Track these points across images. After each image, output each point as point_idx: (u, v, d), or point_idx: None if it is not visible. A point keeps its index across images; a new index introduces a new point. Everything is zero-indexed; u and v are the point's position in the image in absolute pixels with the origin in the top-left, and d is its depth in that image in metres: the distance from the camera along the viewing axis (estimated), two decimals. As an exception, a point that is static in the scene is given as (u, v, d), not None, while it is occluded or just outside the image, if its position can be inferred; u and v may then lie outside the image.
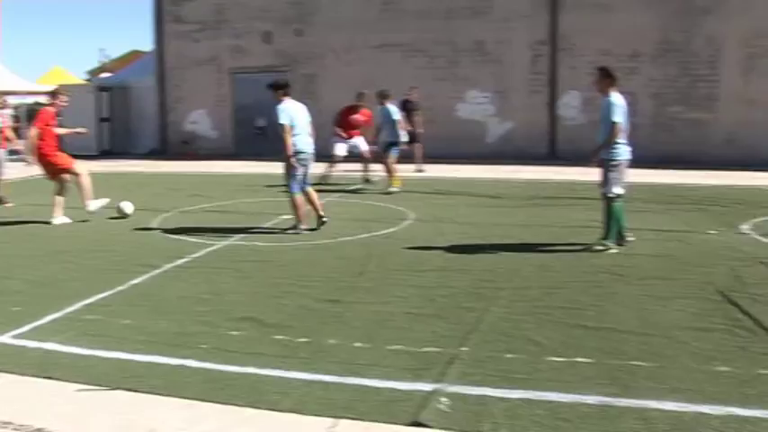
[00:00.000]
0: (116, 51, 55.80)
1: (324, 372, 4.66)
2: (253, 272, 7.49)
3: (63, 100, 10.82)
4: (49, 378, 4.73)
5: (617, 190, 8.11)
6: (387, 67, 20.05)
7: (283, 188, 9.78)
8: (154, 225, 10.32)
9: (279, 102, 9.45)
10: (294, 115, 9.42)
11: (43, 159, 10.58)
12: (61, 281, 7.26)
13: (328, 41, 21.24)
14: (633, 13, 18.29)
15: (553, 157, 19.11)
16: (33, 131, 10.45)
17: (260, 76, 21.65)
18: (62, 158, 10.76)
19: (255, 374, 4.66)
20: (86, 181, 10.72)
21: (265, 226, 9.75)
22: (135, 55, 32.50)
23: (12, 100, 31.28)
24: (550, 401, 4.18)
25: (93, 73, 37.55)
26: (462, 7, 19.84)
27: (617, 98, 8.02)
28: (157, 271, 7.54)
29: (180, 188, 14.54)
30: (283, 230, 9.57)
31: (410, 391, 4.35)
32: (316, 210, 9.70)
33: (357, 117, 14.41)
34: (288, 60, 21.71)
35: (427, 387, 4.40)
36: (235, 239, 9.19)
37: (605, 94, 8.10)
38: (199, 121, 23.27)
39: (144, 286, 6.99)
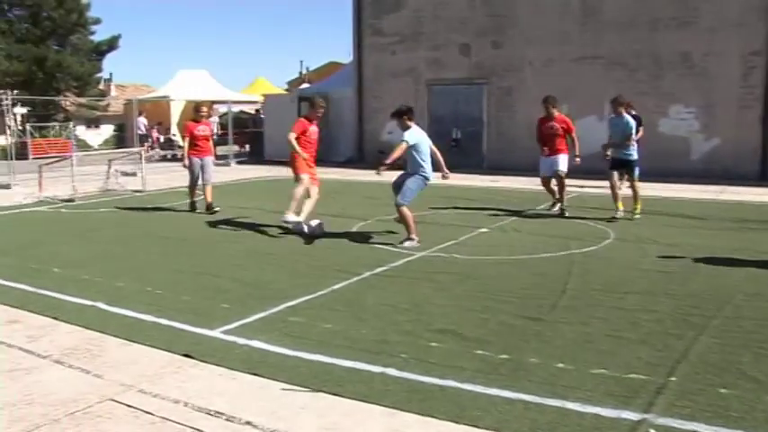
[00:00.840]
0: (314, 63, 58.43)
1: (525, 391, 4.58)
2: (451, 284, 7.50)
3: (320, 110, 10.82)
4: (256, 375, 4.96)
5: None
6: (585, 81, 19.63)
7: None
8: (353, 232, 10.62)
9: (406, 128, 9.59)
10: (420, 140, 9.56)
11: (292, 163, 10.60)
12: (265, 282, 7.63)
13: (526, 54, 21.02)
14: None
15: (764, 177, 17.87)
16: (291, 136, 10.35)
17: (457, 88, 21.87)
18: (301, 164, 10.51)
19: (456, 388, 4.65)
20: (304, 193, 10.62)
21: (461, 238, 9.70)
22: (333, 66, 33.71)
23: (220, 109, 33.60)
24: (773, 445, 3.88)
25: (293, 83, 39.33)
26: (668, 17, 18.99)
27: None
28: (357, 278, 7.74)
29: (376, 197, 14.82)
30: (400, 243, 9.50)
31: (615, 419, 4.19)
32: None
33: (550, 125, 12.53)
34: (485, 73, 21.73)
35: (634, 416, 4.21)
36: (432, 250, 9.25)
37: None
38: (395, 132, 23.59)
39: (344, 292, 7.19)
